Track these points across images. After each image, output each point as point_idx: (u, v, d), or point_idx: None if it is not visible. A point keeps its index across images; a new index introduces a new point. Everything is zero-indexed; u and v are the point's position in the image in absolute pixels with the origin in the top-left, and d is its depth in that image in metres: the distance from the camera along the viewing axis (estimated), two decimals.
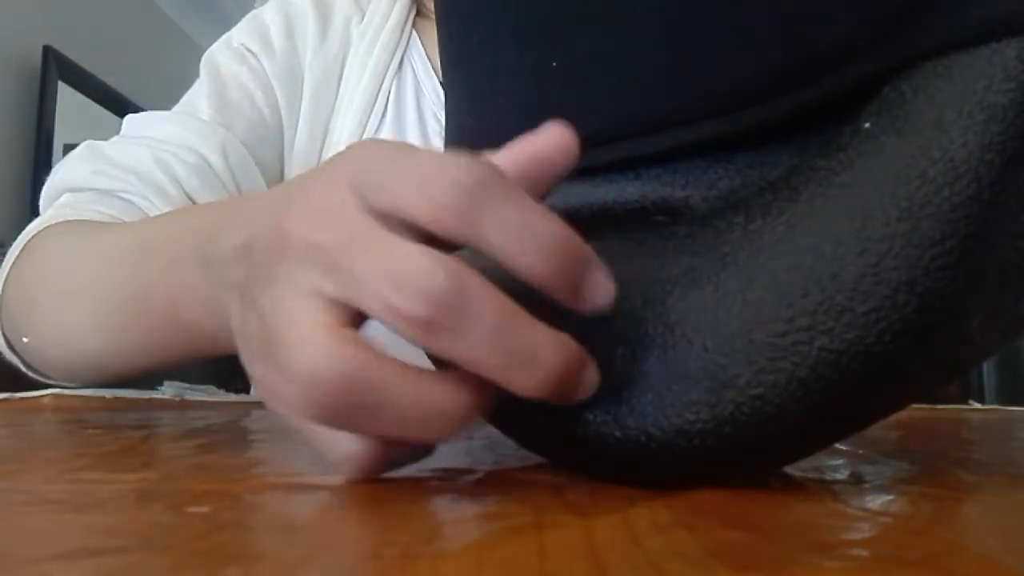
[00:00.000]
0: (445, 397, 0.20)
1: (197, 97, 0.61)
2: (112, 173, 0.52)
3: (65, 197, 0.53)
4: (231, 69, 0.63)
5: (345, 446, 0.21)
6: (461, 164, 0.20)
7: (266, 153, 0.62)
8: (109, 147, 0.55)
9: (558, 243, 0.20)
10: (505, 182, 0.20)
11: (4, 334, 0.49)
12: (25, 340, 0.46)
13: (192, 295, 0.30)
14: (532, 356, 0.19)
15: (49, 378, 0.50)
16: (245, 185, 0.58)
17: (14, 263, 0.48)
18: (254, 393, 0.68)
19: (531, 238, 0.19)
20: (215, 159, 0.56)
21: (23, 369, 0.50)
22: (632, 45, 0.24)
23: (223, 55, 0.64)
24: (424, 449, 0.23)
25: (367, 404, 0.19)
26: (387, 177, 0.21)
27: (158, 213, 0.51)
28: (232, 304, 0.24)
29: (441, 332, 0.19)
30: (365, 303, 0.20)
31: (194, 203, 0.53)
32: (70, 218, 0.50)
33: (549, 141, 0.22)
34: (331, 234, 0.20)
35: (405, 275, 0.19)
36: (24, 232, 0.50)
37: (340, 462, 0.22)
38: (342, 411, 0.20)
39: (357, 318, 0.21)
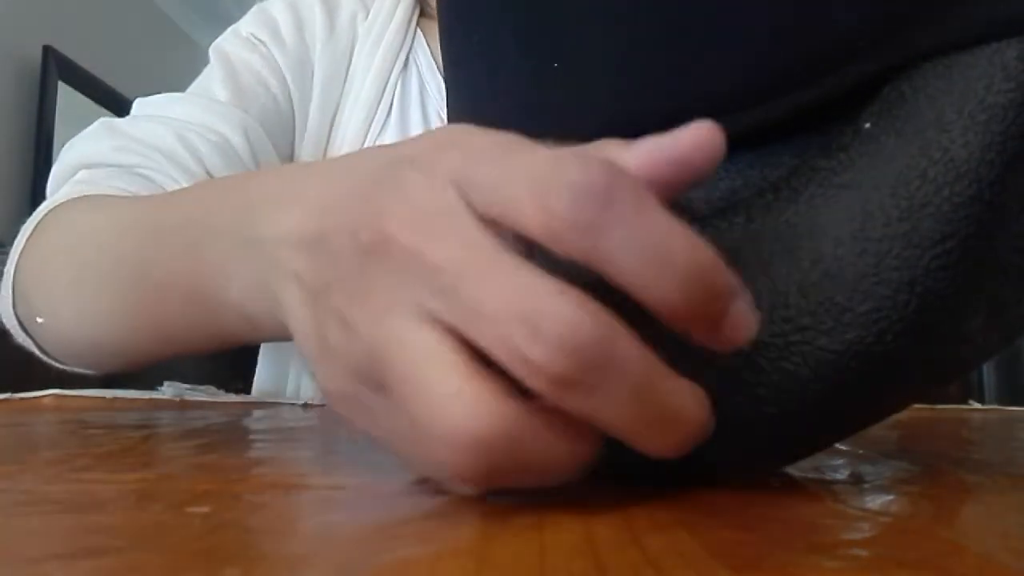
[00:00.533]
0: (580, 449, 0.18)
1: (210, 82, 0.60)
2: (133, 148, 0.50)
3: (81, 173, 0.51)
4: (241, 56, 0.62)
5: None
6: (582, 164, 0.17)
7: (280, 138, 0.61)
8: (127, 124, 0.53)
9: (699, 269, 0.17)
10: (635, 188, 0.17)
11: (17, 316, 0.46)
12: (39, 321, 0.44)
13: (233, 279, 0.27)
14: (675, 417, 0.17)
15: (61, 360, 0.47)
16: (266, 166, 0.58)
17: (28, 241, 0.46)
18: (254, 393, 0.68)
19: (667, 262, 0.16)
20: (237, 139, 0.54)
21: (36, 352, 0.47)
22: (632, 46, 0.24)
23: (232, 44, 0.64)
24: None
25: (515, 466, 0.17)
26: (496, 178, 0.18)
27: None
28: (289, 295, 0.22)
29: (578, 389, 0.16)
30: (486, 342, 0.17)
31: None
32: (88, 193, 0.47)
33: (690, 140, 0.19)
34: (445, 250, 0.18)
35: (543, 322, 0.16)
36: (38, 209, 0.47)
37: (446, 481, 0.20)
38: (489, 475, 0.17)
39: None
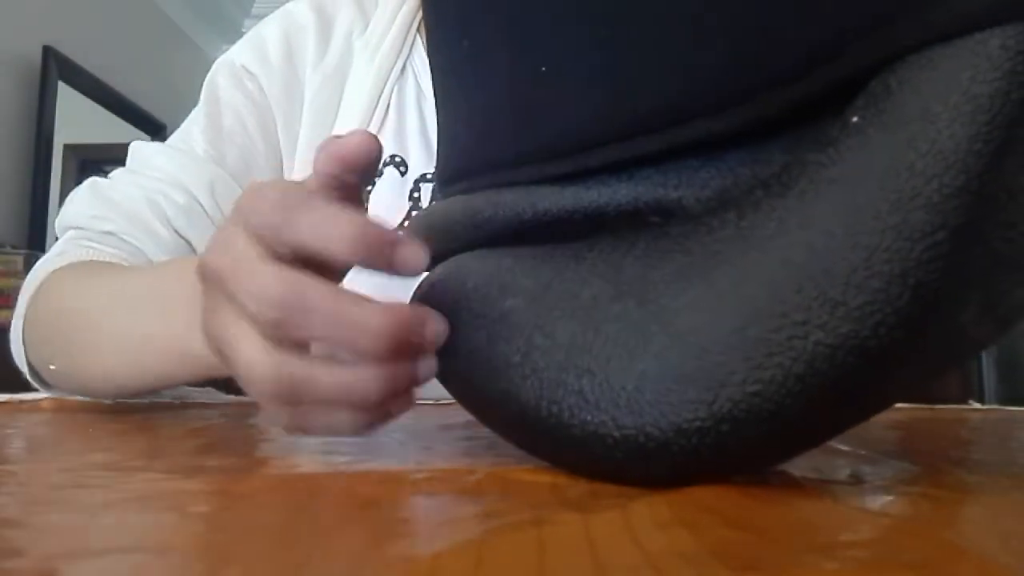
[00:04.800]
0: (360, 376, 0.25)
1: (194, 126, 0.65)
2: (108, 216, 0.59)
3: (70, 233, 0.60)
4: (228, 95, 0.66)
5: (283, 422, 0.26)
6: (272, 187, 0.26)
7: (258, 175, 0.65)
8: (109, 187, 0.61)
9: (358, 233, 0.24)
10: (302, 197, 0.25)
11: (28, 360, 0.54)
12: (52, 368, 0.52)
13: (196, 333, 0.34)
14: (365, 325, 0.24)
15: (70, 394, 0.54)
16: None
17: (33, 298, 0.54)
18: None
19: (336, 235, 0.24)
20: (203, 197, 0.61)
21: (43, 391, 0.55)
22: (620, 47, 0.24)
23: (224, 79, 0.67)
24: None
25: (300, 393, 0.25)
26: (247, 207, 0.26)
27: (150, 250, 0.58)
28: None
29: (293, 326, 0.24)
30: (246, 314, 0.25)
31: (185, 239, 0.60)
32: (79, 258, 0.56)
33: (346, 145, 0.27)
34: (224, 262, 0.26)
35: (255, 291, 0.24)
36: (37, 266, 0.57)
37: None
38: (284, 400, 0.25)
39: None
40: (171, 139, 0.66)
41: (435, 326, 0.25)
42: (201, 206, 0.61)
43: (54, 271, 0.55)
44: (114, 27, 2.54)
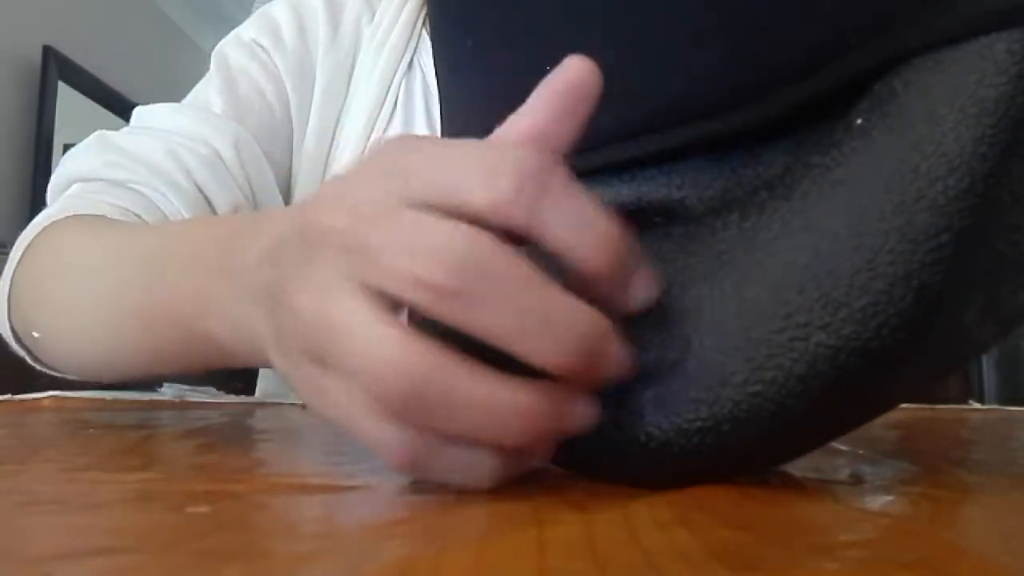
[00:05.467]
0: (519, 398, 0.19)
1: (207, 91, 0.60)
2: (123, 163, 0.52)
3: (75, 187, 0.53)
4: (241, 64, 0.63)
5: (394, 443, 0.20)
6: (524, 154, 0.20)
7: (275, 148, 0.62)
8: (120, 137, 0.55)
9: (613, 240, 0.20)
10: (565, 174, 0.20)
11: (12, 326, 0.48)
12: (36, 335, 0.46)
13: (208, 305, 0.29)
14: (549, 322, 0.19)
15: (56, 370, 0.49)
16: (256, 180, 0.58)
17: (23, 255, 0.48)
18: (258, 395, 0.68)
19: (589, 233, 0.20)
20: (227, 152, 0.55)
21: (29, 361, 0.49)
22: (623, 48, 0.24)
23: (233, 50, 0.64)
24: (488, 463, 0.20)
25: (438, 402, 0.19)
26: (438, 164, 0.20)
27: (169, 204, 0.51)
28: (258, 314, 0.24)
29: (460, 300, 0.18)
30: (383, 280, 0.19)
31: (204, 195, 0.53)
32: (81, 211, 0.49)
33: (566, 79, 0.22)
34: (354, 217, 0.20)
35: (421, 242, 0.19)
36: (33, 223, 0.49)
37: (390, 460, 0.20)
38: (417, 406, 0.19)
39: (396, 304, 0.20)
40: (183, 102, 0.60)
41: (621, 351, 0.20)
42: (223, 161, 0.55)
43: (49, 225, 0.47)
44: (114, 27, 2.54)
